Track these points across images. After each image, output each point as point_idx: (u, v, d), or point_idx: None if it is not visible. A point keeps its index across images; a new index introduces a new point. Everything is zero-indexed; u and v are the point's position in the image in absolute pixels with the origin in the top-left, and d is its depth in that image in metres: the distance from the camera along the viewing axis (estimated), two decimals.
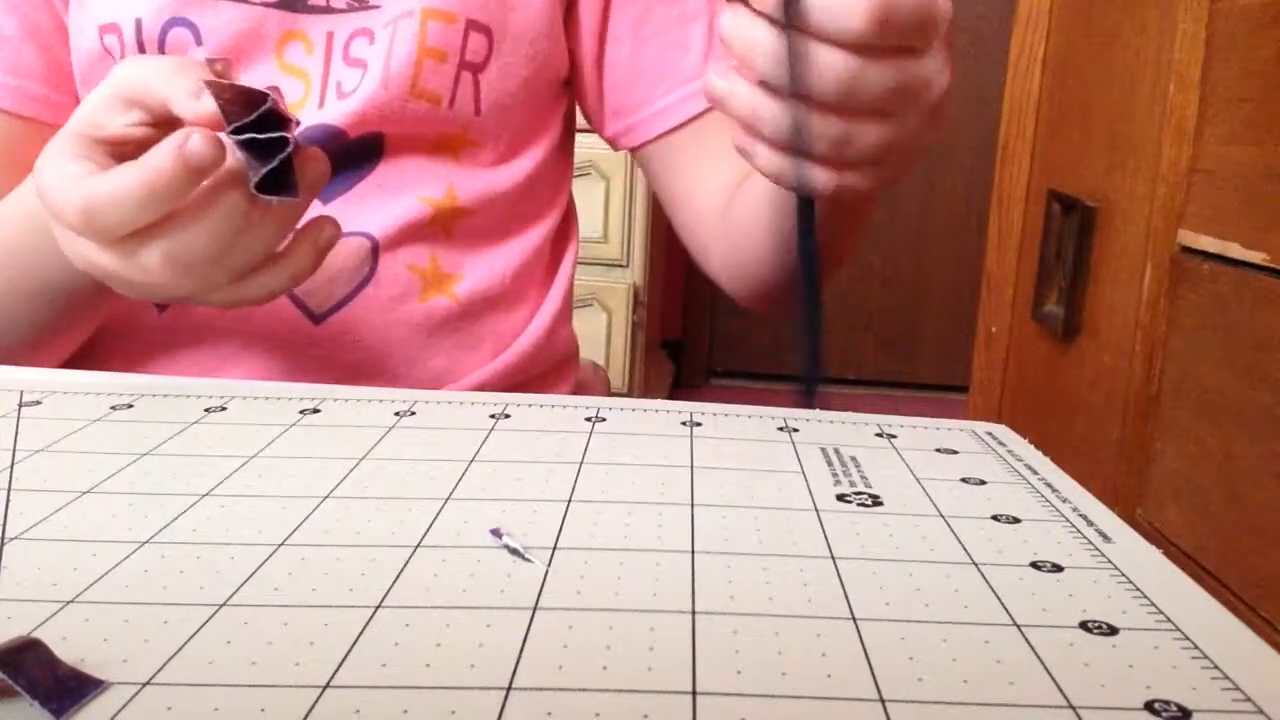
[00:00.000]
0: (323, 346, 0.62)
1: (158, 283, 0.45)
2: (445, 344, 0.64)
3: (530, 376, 0.69)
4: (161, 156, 0.41)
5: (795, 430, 0.45)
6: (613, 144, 0.70)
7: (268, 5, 0.60)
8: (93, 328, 0.61)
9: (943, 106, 0.43)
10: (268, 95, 0.42)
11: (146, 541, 0.31)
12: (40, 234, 0.50)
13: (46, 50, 0.62)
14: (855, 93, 0.39)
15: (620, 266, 1.95)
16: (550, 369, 0.72)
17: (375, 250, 0.62)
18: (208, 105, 0.43)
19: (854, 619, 0.28)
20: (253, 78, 0.60)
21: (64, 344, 0.61)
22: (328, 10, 0.61)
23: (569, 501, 0.36)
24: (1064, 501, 0.38)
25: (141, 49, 0.59)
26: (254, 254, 0.46)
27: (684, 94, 0.67)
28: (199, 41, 0.59)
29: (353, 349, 0.62)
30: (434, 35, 0.61)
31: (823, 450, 0.42)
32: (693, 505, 0.36)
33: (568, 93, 0.70)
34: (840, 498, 0.37)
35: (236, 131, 0.42)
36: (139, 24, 0.59)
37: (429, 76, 0.61)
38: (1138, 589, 0.31)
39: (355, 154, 0.61)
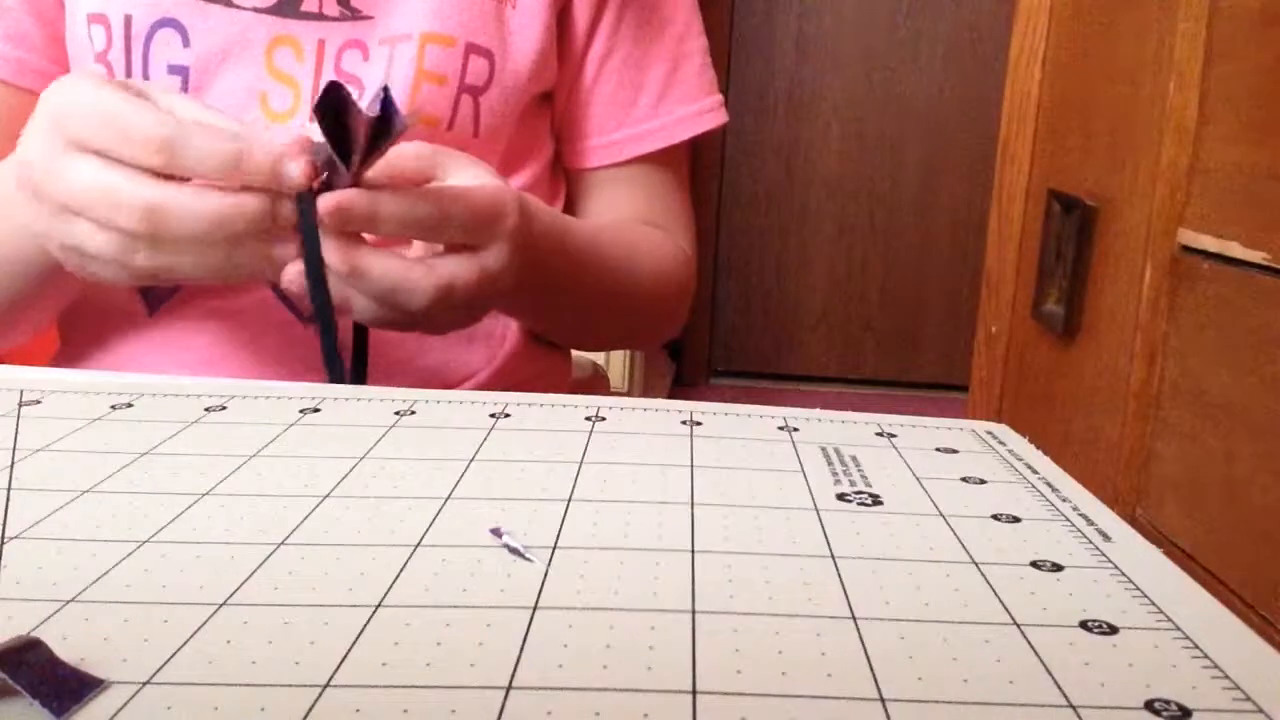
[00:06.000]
0: (313, 346, 0.62)
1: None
2: (438, 344, 0.64)
3: (523, 376, 0.69)
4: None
5: (795, 430, 0.45)
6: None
7: (259, 10, 0.60)
8: (65, 302, 0.62)
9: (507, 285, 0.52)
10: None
11: (146, 541, 0.31)
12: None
13: (47, 23, 0.62)
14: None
15: None
16: (544, 368, 0.72)
17: None
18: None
19: (854, 618, 0.28)
20: (240, 82, 0.60)
21: (40, 317, 0.62)
22: (319, 17, 0.61)
23: (569, 501, 0.36)
24: (1064, 501, 0.38)
25: (128, 45, 0.59)
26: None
27: (630, 134, 0.70)
28: (186, 43, 0.59)
29: (343, 350, 0.62)
30: (432, 59, 0.61)
31: (823, 450, 0.42)
32: (693, 505, 0.36)
33: (551, 108, 0.72)
34: (840, 497, 0.37)
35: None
36: (128, 20, 0.59)
37: (427, 99, 0.61)
38: (1138, 588, 0.31)
39: None
